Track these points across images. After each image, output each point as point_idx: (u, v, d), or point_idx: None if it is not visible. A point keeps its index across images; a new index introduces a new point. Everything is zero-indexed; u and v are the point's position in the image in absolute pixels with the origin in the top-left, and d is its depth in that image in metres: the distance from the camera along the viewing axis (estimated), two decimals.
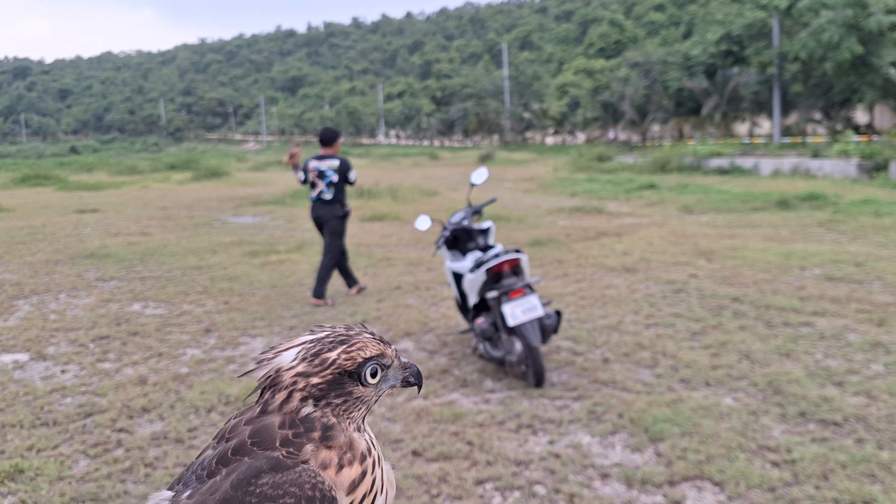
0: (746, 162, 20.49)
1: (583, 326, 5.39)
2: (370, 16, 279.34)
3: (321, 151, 6.59)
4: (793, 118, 37.67)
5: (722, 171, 20.42)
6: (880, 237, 8.89)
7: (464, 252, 4.74)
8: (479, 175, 5.12)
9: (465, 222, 4.72)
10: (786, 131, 38.06)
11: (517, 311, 3.98)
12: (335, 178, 6.47)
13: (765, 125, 40.01)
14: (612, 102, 49.55)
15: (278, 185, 22.69)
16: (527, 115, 65.35)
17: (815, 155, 19.07)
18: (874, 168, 16.54)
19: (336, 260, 6.70)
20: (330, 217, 6.58)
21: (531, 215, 13.28)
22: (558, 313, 4.25)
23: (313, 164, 6.49)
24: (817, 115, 34.71)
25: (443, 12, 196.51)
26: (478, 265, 4.29)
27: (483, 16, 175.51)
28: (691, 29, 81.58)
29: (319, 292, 6.52)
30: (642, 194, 16.21)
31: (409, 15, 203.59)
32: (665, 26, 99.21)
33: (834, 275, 6.68)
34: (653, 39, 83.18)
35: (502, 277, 4.21)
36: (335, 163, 6.47)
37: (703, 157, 22.02)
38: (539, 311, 4.01)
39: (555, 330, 4.28)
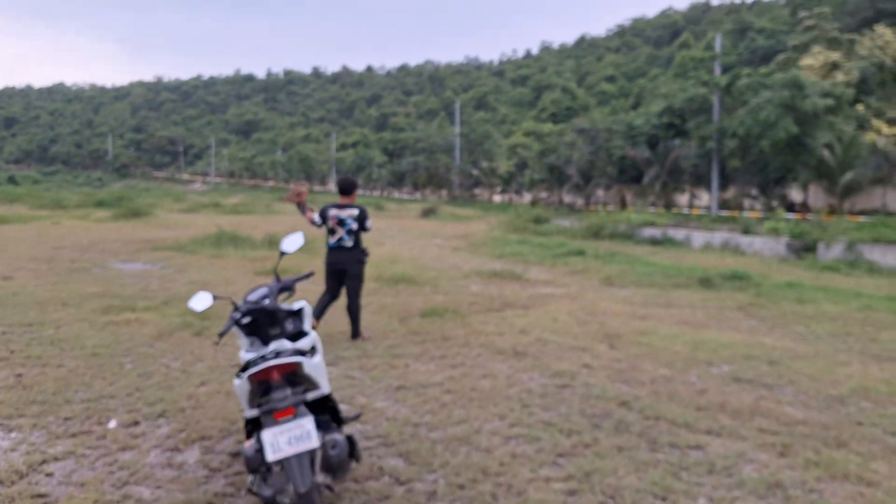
0: (679, 233, 20.10)
1: (429, 436, 4.30)
2: (331, 67, 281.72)
3: (340, 200, 6.98)
4: (731, 192, 38.23)
5: (654, 242, 19.95)
6: (800, 327, 8.15)
7: (266, 340, 3.63)
8: (293, 242, 4.05)
9: (267, 301, 3.61)
10: (724, 205, 38.56)
11: (280, 441, 2.87)
12: (354, 226, 6.86)
13: (704, 197, 40.55)
14: (558, 165, 49.91)
15: (198, 228, 21.31)
16: (475, 172, 65.44)
17: (746, 231, 18.78)
18: (803, 248, 16.21)
19: (359, 298, 7.08)
20: (352, 262, 6.92)
21: (444, 277, 12.30)
22: (350, 440, 3.16)
23: (333, 212, 6.85)
24: (754, 191, 35.23)
25: (403, 68, 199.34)
26: (243, 368, 3.19)
27: (442, 74, 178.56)
28: (640, 101, 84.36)
29: (356, 332, 7.06)
30: (568, 261, 15.45)
31: (369, 68, 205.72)
32: (615, 97, 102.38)
33: (743, 375, 5.79)
34: (603, 109, 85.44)
35: (272, 388, 3.10)
36: (354, 211, 6.87)
37: (638, 226, 21.59)
38: (312, 442, 2.91)
39: (355, 457, 3.19)
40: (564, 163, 49.29)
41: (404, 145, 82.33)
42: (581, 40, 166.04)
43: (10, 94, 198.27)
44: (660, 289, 11.20)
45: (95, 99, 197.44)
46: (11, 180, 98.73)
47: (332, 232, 6.87)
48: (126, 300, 9.04)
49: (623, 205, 43.22)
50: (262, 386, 3.08)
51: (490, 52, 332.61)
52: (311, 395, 3.15)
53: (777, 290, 10.62)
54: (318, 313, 6.97)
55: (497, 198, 66.22)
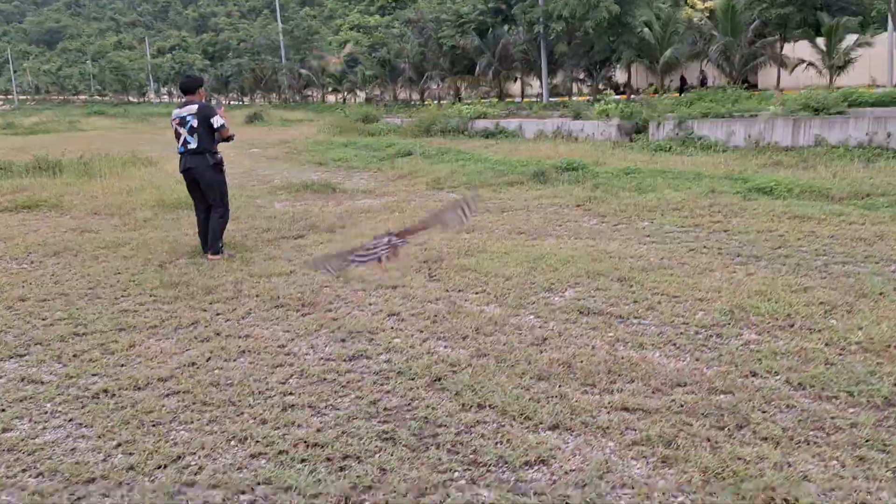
0: (511, 124, 18.91)
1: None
2: None
3: (184, 99, 6.36)
4: (560, 78, 37.96)
5: (487, 134, 18.66)
6: (645, 222, 7.06)
7: None
8: None
9: None
10: (554, 91, 38.25)
11: None
12: (195, 122, 6.13)
13: (535, 85, 40.10)
14: (389, 60, 47.36)
15: None
16: (304, 71, 60.97)
17: (577, 116, 17.92)
18: (634, 130, 15.59)
19: (224, 208, 6.33)
20: (203, 169, 6.19)
21: (243, 196, 10.17)
22: None
23: (174, 112, 6.27)
24: (582, 75, 35.10)
25: None
26: None
27: None
28: None
29: (216, 249, 6.25)
30: (395, 163, 13.76)
31: None
32: None
33: (590, 304, 4.45)
34: None
35: None
36: (193, 108, 6.17)
37: (470, 119, 20.17)
38: None
39: None
40: (395, 57, 46.84)
41: (226, 47, 76.12)
42: None
43: None
44: (492, 188, 9.83)
45: None
46: None
47: (177, 136, 6.22)
48: None
49: (458, 97, 41.83)
50: None
51: None
52: None
53: (615, 180, 9.59)
54: (206, 243, 6.29)
55: (330, 98, 62.55)
